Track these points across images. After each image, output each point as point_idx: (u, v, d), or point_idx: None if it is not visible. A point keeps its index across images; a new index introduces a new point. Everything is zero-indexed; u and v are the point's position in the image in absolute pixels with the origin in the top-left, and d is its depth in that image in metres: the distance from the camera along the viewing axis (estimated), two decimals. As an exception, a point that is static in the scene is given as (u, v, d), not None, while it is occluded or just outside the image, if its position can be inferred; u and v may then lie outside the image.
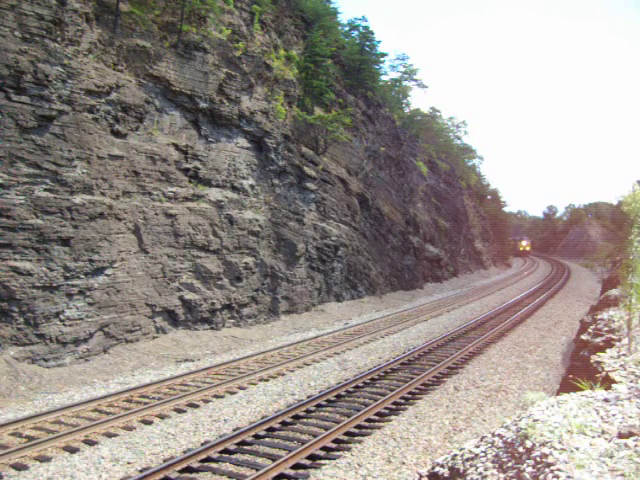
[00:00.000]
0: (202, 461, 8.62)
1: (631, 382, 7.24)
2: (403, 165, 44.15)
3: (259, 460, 8.70)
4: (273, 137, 23.55)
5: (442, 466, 5.45)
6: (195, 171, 19.62)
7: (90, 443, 9.34)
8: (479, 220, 72.42)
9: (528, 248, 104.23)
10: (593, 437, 4.72)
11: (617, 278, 17.88)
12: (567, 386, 9.91)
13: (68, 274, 14.37)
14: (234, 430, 9.93)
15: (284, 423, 10.39)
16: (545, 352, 17.32)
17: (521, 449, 4.68)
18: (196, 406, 11.45)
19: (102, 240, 15.38)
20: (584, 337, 13.95)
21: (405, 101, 58.29)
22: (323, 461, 8.69)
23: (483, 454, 5.09)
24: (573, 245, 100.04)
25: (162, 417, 10.78)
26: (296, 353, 16.75)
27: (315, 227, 26.12)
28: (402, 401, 11.85)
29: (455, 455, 5.45)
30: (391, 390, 12.44)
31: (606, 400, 5.86)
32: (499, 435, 5.29)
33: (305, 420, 10.64)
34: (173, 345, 16.91)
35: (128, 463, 8.59)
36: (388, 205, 37.68)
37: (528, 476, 4.25)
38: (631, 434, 4.70)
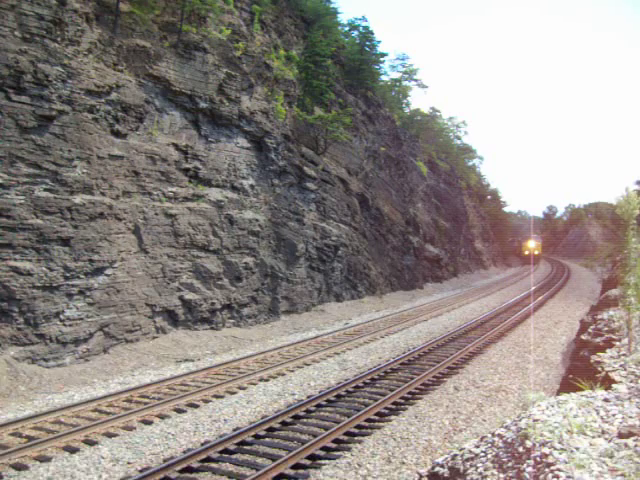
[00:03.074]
0: (202, 461, 8.61)
1: (631, 382, 7.24)
2: (403, 165, 44.17)
3: (259, 460, 8.69)
4: (273, 137, 23.56)
5: (442, 466, 5.45)
6: (195, 171, 19.62)
7: (90, 443, 9.34)
8: (479, 220, 72.45)
9: (537, 251, 78.95)
10: (593, 437, 4.72)
11: (617, 278, 17.87)
12: (567, 386, 9.91)
13: (68, 274, 14.37)
14: (234, 430, 9.92)
15: (284, 423, 10.38)
16: (545, 352, 17.31)
17: (521, 449, 4.68)
18: (196, 406, 11.45)
19: (102, 240, 15.38)
20: (584, 337, 13.95)
21: (405, 101, 58.38)
22: (323, 461, 8.68)
23: (483, 454, 5.09)
24: (573, 245, 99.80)
25: (162, 417, 10.78)
26: (296, 353, 16.75)
27: (315, 227, 26.12)
28: (402, 401, 11.84)
29: (455, 455, 5.45)
30: (391, 390, 12.44)
31: (606, 400, 5.86)
32: (499, 435, 5.29)
33: (305, 420, 10.64)
34: (173, 345, 16.91)
35: (128, 463, 8.59)
36: (388, 205, 37.68)
37: (528, 476, 4.25)
38: (631, 434, 4.71)
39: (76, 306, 14.53)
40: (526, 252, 77.97)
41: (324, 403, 11.58)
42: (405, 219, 40.20)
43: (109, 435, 9.72)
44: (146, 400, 11.71)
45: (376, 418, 10.73)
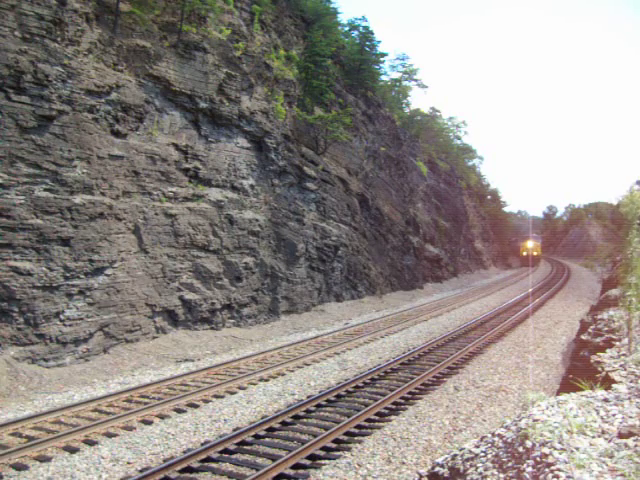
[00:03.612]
0: (202, 461, 8.61)
1: (631, 382, 7.24)
2: (403, 165, 44.16)
3: (259, 460, 8.69)
4: (273, 137, 23.56)
5: (442, 466, 5.45)
6: (195, 171, 19.62)
7: (90, 443, 9.34)
8: (479, 220, 72.40)
9: (536, 252, 72.89)
10: (593, 437, 4.72)
11: (617, 278, 17.88)
12: (567, 386, 9.92)
13: (68, 274, 14.37)
14: (234, 430, 9.92)
15: (284, 423, 10.38)
16: (545, 352, 17.31)
17: (521, 449, 4.68)
18: (196, 406, 11.45)
19: (102, 240, 15.38)
20: (584, 337, 13.96)
21: (405, 101, 58.34)
22: (323, 461, 8.68)
23: (483, 454, 5.09)
24: (573, 245, 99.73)
25: (162, 417, 10.78)
26: (296, 353, 16.75)
27: (315, 227, 26.12)
28: (402, 401, 11.85)
29: (455, 455, 5.45)
30: (391, 390, 12.44)
31: (606, 400, 5.86)
32: (499, 435, 5.29)
33: (305, 420, 10.64)
34: (173, 345, 16.92)
35: (128, 463, 8.59)
36: (388, 205, 37.68)
37: (528, 476, 4.25)
38: (631, 434, 4.70)
39: (76, 306, 14.53)
40: (524, 253, 72.93)
41: (324, 403, 11.58)
42: (405, 219, 40.20)
43: (109, 435, 9.72)
44: (146, 400, 11.71)
45: (376, 418, 10.73)
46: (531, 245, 73.10)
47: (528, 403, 6.14)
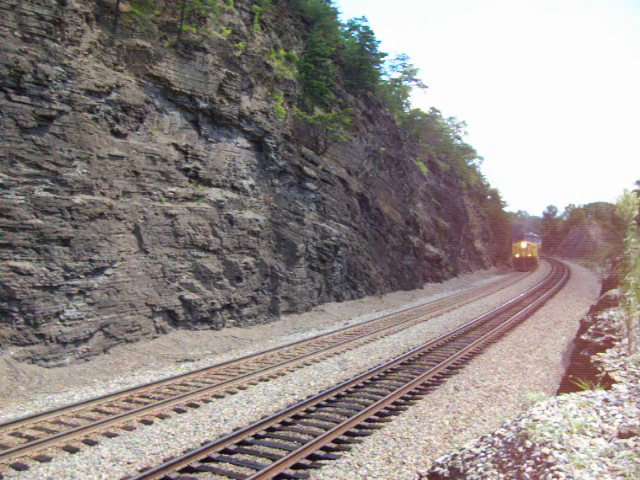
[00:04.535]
0: (202, 461, 8.61)
1: (631, 382, 7.24)
2: (403, 165, 44.16)
3: (259, 460, 8.69)
4: (273, 137, 23.56)
5: (442, 466, 5.45)
6: (195, 171, 19.62)
7: (90, 443, 9.34)
8: (479, 220, 72.40)
9: (531, 254, 64.17)
10: (593, 437, 4.72)
11: (617, 278, 17.88)
12: (567, 386, 9.91)
13: (68, 274, 14.37)
14: (234, 430, 9.92)
15: (284, 423, 10.38)
16: (545, 352, 17.31)
17: (521, 449, 4.68)
18: (196, 406, 11.45)
19: (102, 240, 15.38)
20: (584, 337, 13.96)
21: (405, 101, 58.37)
22: (323, 461, 8.68)
23: (483, 454, 5.09)
24: (573, 245, 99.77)
25: (162, 417, 10.78)
26: (296, 353, 16.75)
27: (315, 227, 26.12)
28: (402, 401, 11.84)
29: (455, 455, 5.45)
30: (391, 390, 12.44)
31: (606, 400, 5.86)
32: (499, 435, 5.29)
33: (305, 420, 10.63)
34: (173, 345, 16.91)
35: (128, 463, 8.59)
36: (388, 205, 37.67)
37: (528, 476, 4.25)
38: (631, 434, 4.70)
39: (76, 306, 14.53)
40: (516, 255, 64.90)
41: (324, 403, 11.58)
42: (405, 219, 40.20)
43: (109, 435, 9.72)
44: (146, 400, 11.71)
45: (376, 418, 10.72)
46: (525, 246, 64.65)
47: (528, 403, 6.14)
